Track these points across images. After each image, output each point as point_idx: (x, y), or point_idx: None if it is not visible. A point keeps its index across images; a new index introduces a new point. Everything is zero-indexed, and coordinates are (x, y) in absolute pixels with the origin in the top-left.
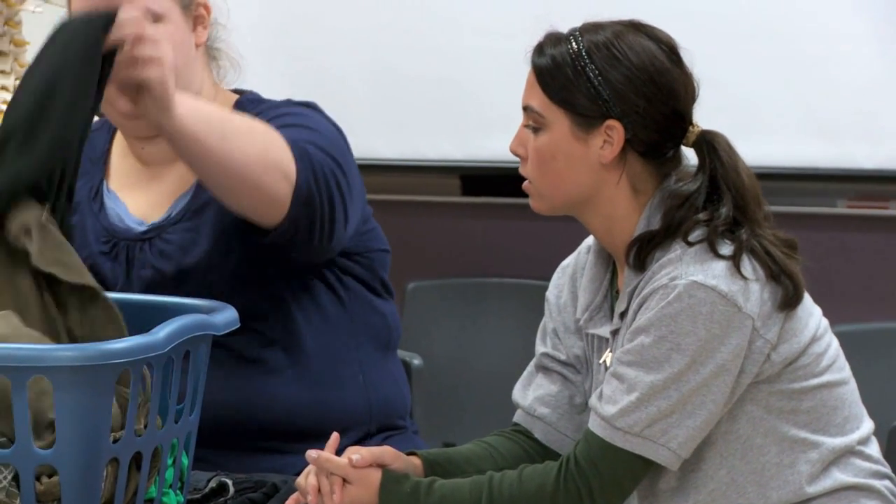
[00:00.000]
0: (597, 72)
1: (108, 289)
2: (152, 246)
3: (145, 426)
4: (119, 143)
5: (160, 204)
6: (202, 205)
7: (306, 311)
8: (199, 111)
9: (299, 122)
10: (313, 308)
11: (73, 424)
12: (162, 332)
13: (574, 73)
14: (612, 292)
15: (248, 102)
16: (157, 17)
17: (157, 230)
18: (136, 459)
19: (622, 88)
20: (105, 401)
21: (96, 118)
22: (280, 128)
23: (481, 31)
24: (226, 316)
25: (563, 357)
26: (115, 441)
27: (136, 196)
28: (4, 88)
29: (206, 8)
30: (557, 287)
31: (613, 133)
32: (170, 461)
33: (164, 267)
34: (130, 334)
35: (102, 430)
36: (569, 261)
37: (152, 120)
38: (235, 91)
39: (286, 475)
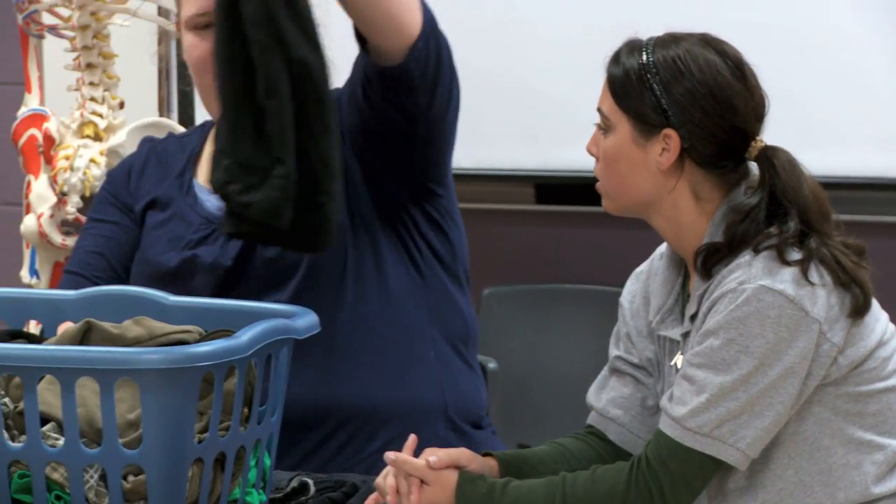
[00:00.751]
0: (659, 82)
1: (209, 269)
2: None
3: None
4: (211, 145)
5: None
6: None
7: (382, 282)
8: None
9: None
10: (388, 281)
11: (158, 425)
12: (245, 335)
13: (639, 83)
14: (684, 296)
15: None
16: None
17: None
18: (220, 460)
19: (681, 100)
20: (190, 402)
21: (188, 128)
22: None
23: (557, 42)
24: (307, 320)
25: (635, 360)
26: (199, 442)
27: None
28: (94, 100)
29: None
30: (631, 292)
31: (670, 141)
32: (252, 461)
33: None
34: (214, 338)
35: (187, 431)
36: (642, 267)
37: None
38: None
39: (365, 475)
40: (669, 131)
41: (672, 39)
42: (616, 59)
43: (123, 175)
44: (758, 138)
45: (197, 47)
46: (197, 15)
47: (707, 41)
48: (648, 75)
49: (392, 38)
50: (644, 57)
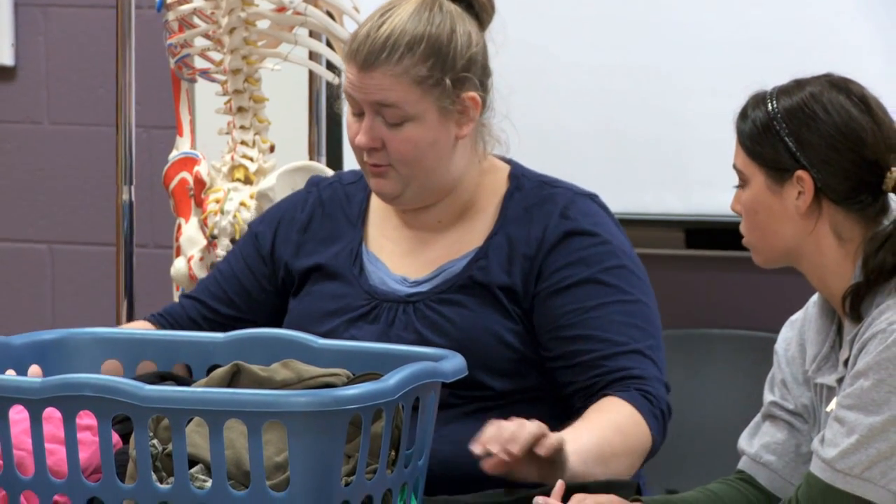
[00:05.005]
0: (786, 128)
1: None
2: (416, 310)
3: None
4: (380, 204)
5: (425, 264)
6: (475, 283)
7: None
8: (580, 454)
9: (618, 292)
10: None
11: (306, 468)
12: (392, 379)
13: (767, 132)
14: (839, 342)
15: (522, 178)
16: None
17: (422, 295)
18: (367, 503)
19: (810, 141)
20: (337, 445)
21: (353, 169)
22: (601, 305)
23: (706, 92)
24: (454, 363)
25: (790, 406)
26: (346, 485)
27: (400, 255)
28: (244, 143)
29: (474, 101)
30: (786, 340)
31: (804, 183)
32: None
33: (431, 336)
34: (362, 381)
35: (334, 474)
36: (797, 315)
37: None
38: (498, 157)
39: None
40: (802, 173)
41: (796, 85)
42: (743, 114)
43: (286, 218)
44: (893, 169)
45: (350, 127)
46: (348, 95)
47: (831, 82)
48: (775, 123)
49: None
50: (769, 107)
